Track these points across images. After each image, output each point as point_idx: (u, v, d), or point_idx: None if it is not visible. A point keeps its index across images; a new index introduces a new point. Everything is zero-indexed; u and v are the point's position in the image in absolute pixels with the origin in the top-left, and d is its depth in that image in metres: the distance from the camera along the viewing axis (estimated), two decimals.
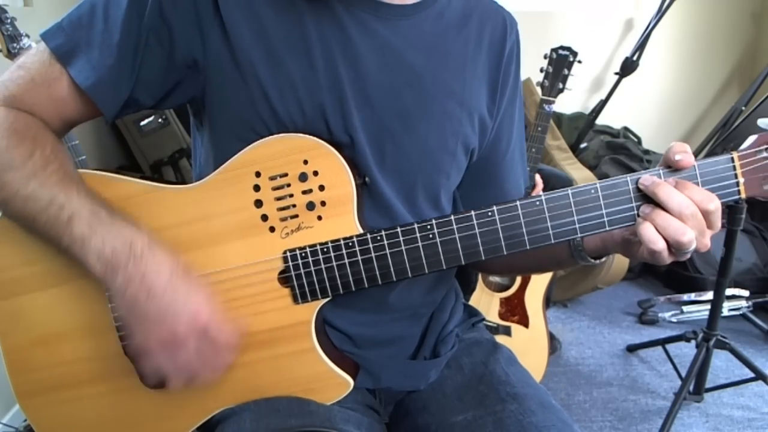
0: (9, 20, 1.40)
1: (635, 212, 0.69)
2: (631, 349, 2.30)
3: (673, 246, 0.66)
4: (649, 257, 0.68)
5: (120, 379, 0.78)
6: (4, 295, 0.77)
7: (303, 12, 0.75)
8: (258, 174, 0.74)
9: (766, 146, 0.67)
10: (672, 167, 0.68)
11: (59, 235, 0.69)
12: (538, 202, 0.70)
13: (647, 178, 0.68)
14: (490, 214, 0.71)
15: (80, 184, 0.72)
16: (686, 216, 0.65)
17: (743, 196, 0.68)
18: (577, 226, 0.70)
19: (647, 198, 0.68)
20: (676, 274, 2.73)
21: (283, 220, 0.74)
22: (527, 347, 1.88)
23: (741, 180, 0.68)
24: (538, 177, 1.87)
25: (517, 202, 0.70)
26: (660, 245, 0.66)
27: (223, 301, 0.74)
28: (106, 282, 0.69)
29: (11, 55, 1.39)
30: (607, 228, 0.70)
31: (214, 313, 0.70)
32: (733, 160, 0.68)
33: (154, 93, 0.77)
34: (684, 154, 0.67)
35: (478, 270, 1.55)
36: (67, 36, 0.74)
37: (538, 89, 1.92)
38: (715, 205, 0.66)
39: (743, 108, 2.61)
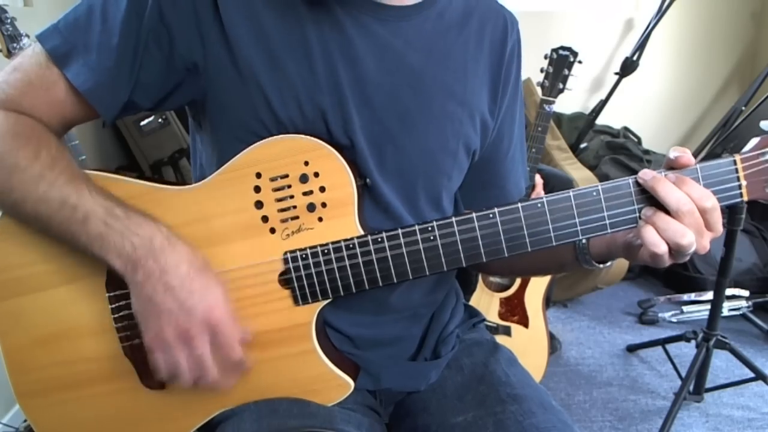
0: (9, 20, 1.40)
1: (637, 215, 0.69)
2: (631, 349, 2.31)
3: (673, 248, 0.66)
4: (651, 260, 0.68)
5: (120, 379, 0.78)
6: (5, 296, 0.77)
7: (303, 15, 0.75)
8: (258, 175, 0.74)
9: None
10: (673, 167, 0.68)
11: (77, 235, 0.69)
12: (539, 204, 0.70)
13: (647, 172, 0.67)
14: (491, 216, 0.71)
15: (89, 183, 0.72)
16: (683, 213, 0.65)
17: (745, 198, 0.68)
18: (578, 228, 0.70)
19: (649, 200, 0.68)
20: (676, 274, 2.73)
21: (284, 221, 0.74)
22: (527, 347, 1.88)
23: (743, 183, 0.68)
24: (538, 177, 1.87)
25: (519, 204, 0.70)
26: (662, 248, 0.66)
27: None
28: (126, 277, 0.69)
29: (11, 55, 1.39)
30: (609, 230, 0.70)
31: (228, 312, 0.70)
32: (735, 162, 0.67)
33: (153, 96, 0.77)
34: (683, 153, 0.67)
35: (481, 271, 1.54)
36: (64, 38, 0.74)
37: (539, 89, 1.92)
38: (712, 203, 0.66)
39: (743, 108, 2.61)
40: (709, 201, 0.66)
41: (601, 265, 0.80)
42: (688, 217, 0.65)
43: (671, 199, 0.65)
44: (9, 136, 0.71)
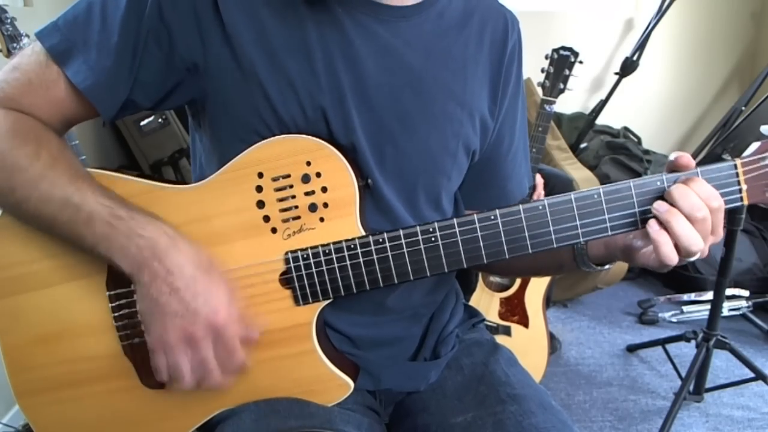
0: (9, 20, 1.40)
1: (638, 218, 0.69)
2: (631, 349, 2.31)
3: (683, 254, 0.67)
4: (656, 267, 0.69)
5: (119, 379, 0.78)
6: (4, 294, 0.77)
7: (303, 15, 0.75)
8: (260, 175, 0.73)
9: None
10: (674, 170, 0.69)
11: (82, 235, 0.69)
12: (540, 207, 0.70)
13: (663, 206, 0.67)
14: (492, 218, 0.71)
15: (91, 181, 0.72)
16: (696, 219, 0.65)
17: (745, 202, 0.68)
18: (579, 231, 0.70)
19: (649, 203, 0.68)
20: (676, 274, 2.73)
21: (285, 221, 0.74)
22: (527, 347, 1.88)
23: (744, 187, 0.68)
24: (538, 177, 1.87)
25: (520, 207, 0.70)
26: (674, 260, 0.67)
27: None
28: (132, 277, 0.69)
29: (11, 55, 1.39)
30: (610, 233, 0.70)
31: (233, 313, 0.70)
32: (736, 167, 0.68)
33: (153, 95, 0.77)
34: (683, 154, 0.68)
35: (480, 270, 1.55)
36: (63, 36, 0.73)
37: (539, 89, 1.92)
38: (718, 203, 0.66)
39: (743, 108, 2.61)
40: (716, 201, 0.66)
41: (599, 268, 0.80)
42: (701, 224, 0.65)
43: (685, 203, 0.65)
44: (9, 134, 0.71)
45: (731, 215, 1.74)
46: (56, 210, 0.69)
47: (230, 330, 0.70)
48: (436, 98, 0.80)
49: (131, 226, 0.68)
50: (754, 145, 0.68)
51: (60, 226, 0.70)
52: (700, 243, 0.66)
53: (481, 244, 0.71)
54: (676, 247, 0.66)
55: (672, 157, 0.68)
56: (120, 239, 0.68)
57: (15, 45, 1.39)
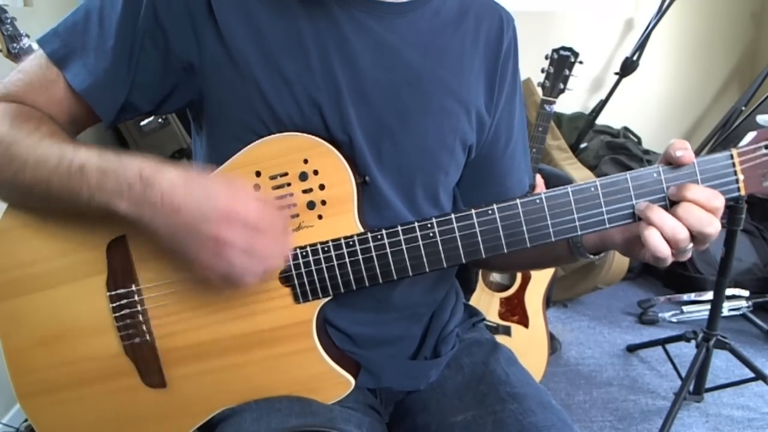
0: (9, 20, 1.40)
1: (635, 210, 0.69)
2: (631, 349, 2.31)
3: (672, 246, 0.66)
4: (652, 261, 0.68)
5: (121, 378, 0.78)
6: (5, 296, 0.77)
7: (298, 12, 0.75)
8: (258, 173, 0.74)
9: (765, 143, 0.67)
10: (672, 164, 0.68)
11: (78, 189, 0.68)
12: (538, 201, 0.70)
13: (641, 204, 0.68)
14: (490, 212, 0.71)
15: (88, 144, 0.71)
16: (677, 240, 0.66)
17: (743, 193, 0.68)
18: (577, 224, 0.70)
19: (647, 195, 0.68)
20: (676, 274, 2.73)
21: None
22: (527, 347, 1.88)
23: (740, 177, 0.67)
24: (538, 177, 1.87)
25: (518, 201, 0.71)
26: (666, 252, 0.66)
27: (226, 298, 0.74)
28: (138, 220, 0.67)
29: (11, 55, 1.39)
30: (608, 225, 0.70)
31: (244, 201, 0.67)
32: (732, 157, 0.67)
33: (151, 97, 0.77)
34: (684, 151, 0.67)
35: (477, 266, 1.55)
36: (63, 41, 0.75)
37: (539, 89, 1.92)
38: (720, 201, 0.66)
39: (743, 108, 2.60)
40: (717, 200, 0.66)
41: (595, 257, 0.80)
42: (683, 242, 0.66)
43: (694, 221, 0.66)
44: (10, 116, 0.72)
45: (731, 215, 1.74)
46: (52, 169, 0.68)
47: (248, 209, 0.67)
48: (433, 94, 0.80)
49: (118, 166, 0.67)
50: (751, 135, 0.68)
51: (57, 185, 0.69)
52: (683, 233, 0.66)
53: (480, 238, 0.71)
54: (667, 240, 0.66)
55: (678, 153, 0.67)
56: (111, 182, 0.67)
57: (15, 45, 1.39)
